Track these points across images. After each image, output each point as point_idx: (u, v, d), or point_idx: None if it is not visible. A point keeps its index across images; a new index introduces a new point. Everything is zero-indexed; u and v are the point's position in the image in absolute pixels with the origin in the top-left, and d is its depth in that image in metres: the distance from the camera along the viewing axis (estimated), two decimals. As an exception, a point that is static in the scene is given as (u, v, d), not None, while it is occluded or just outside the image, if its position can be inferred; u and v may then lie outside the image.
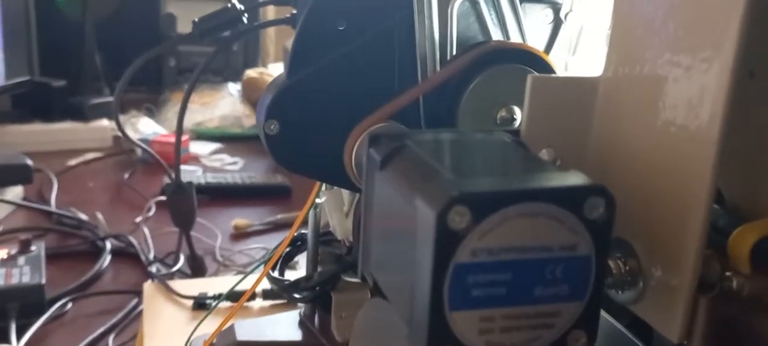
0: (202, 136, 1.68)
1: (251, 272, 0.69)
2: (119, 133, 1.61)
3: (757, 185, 0.32)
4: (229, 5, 0.72)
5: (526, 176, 0.27)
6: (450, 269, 0.25)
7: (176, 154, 0.76)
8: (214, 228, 1.20)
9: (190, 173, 1.43)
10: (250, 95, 1.76)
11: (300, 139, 0.41)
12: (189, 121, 1.68)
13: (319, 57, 0.41)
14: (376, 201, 0.31)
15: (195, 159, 1.57)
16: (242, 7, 0.72)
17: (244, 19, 0.72)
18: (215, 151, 1.61)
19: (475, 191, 0.25)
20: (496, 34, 0.43)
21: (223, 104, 1.72)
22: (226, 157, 1.58)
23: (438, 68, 0.42)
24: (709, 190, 0.27)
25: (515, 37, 0.43)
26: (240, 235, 1.22)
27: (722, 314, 0.30)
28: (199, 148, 1.61)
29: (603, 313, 0.36)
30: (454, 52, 0.42)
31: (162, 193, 1.27)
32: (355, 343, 0.37)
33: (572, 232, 0.26)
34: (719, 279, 0.29)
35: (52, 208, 1.27)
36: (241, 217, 1.25)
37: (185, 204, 0.82)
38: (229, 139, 1.69)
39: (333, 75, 0.41)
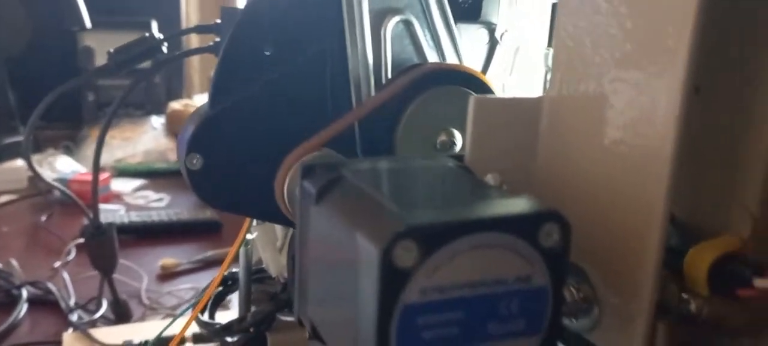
0: (124, 173, 1.60)
1: (180, 315, 0.64)
2: (33, 175, 1.52)
3: (704, 201, 0.31)
4: (148, 35, 0.69)
5: (475, 205, 0.25)
6: (397, 310, 0.23)
7: (93, 194, 0.71)
8: (140, 269, 1.14)
9: (112, 213, 1.36)
10: (174, 128, 1.69)
11: (225, 173, 0.38)
12: (110, 158, 1.61)
13: (245, 85, 0.38)
14: (312, 237, 0.28)
15: (117, 197, 1.49)
16: (161, 36, 0.68)
17: (164, 49, 0.68)
18: (139, 188, 1.54)
19: (423, 223, 0.23)
20: (431, 56, 0.41)
21: (146, 139, 1.65)
22: (151, 194, 1.51)
23: (373, 93, 0.39)
24: (664, 210, 0.26)
25: (451, 59, 0.41)
26: (167, 275, 1.16)
27: (681, 338, 0.28)
28: (121, 185, 1.54)
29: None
30: (389, 76, 0.40)
31: (81, 235, 1.20)
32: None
33: (527, 262, 0.24)
34: (677, 303, 0.28)
35: (-39, 257, 1.18)
36: (169, 256, 1.19)
37: (106, 247, 0.76)
38: (153, 175, 1.63)
39: (260, 103, 0.38)
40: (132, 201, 1.48)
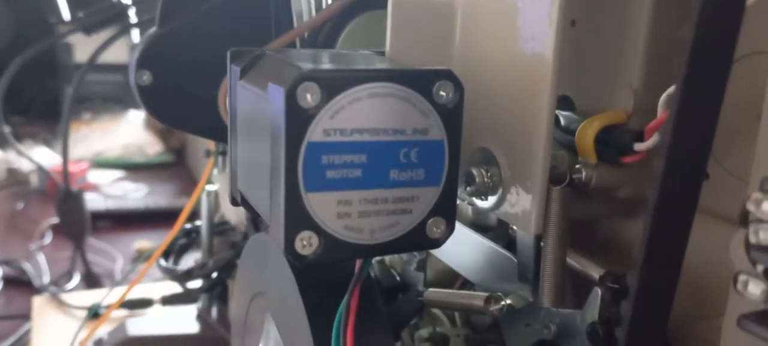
0: (103, 165, 1.62)
1: (142, 260, 0.67)
2: (13, 166, 1.54)
3: (594, 84, 0.34)
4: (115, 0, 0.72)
5: (378, 64, 0.28)
6: (303, 147, 0.25)
7: (64, 155, 0.73)
8: (115, 251, 1.16)
9: (91, 200, 1.38)
10: (153, 123, 1.72)
11: (173, 90, 0.41)
12: (88, 150, 1.63)
13: (192, 6, 0.41)
14: (239, 114, 0.31)
15: (95, 188, 1.51)
16: (130, 2, 0.71)
17: (131, 15, 0.71)
18: (117, 180, 1.56)
19: (325, 69, 0.26)
20: (369, -15, 0.44)
21: (125, 132, 1.67)
22: (129, 185, 1.53)
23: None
24: (551, 97, 0.29)
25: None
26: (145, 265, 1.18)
27: (576, 209, 0.31)
28: (99, 177, 1.56)
29: (474, 233, 0.38)
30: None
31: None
32: (239, 275, 0.37)
33: (423, 115, 0.27)
34: (570, 172, 0.31)
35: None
36: (146, 240, 1.22)
37: (76, 212, 0.79)
38: (131, 168, 1.65)
39: (206, 24, 0.41)
40: (110, 192, 1.50)
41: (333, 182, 0.26)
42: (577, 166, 0.31)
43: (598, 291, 0.29)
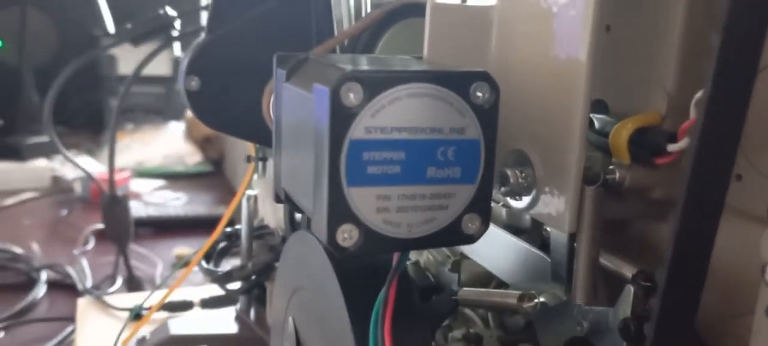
0: (144, 174, 1.66)
1: (183, 263, 0.69)
2: (58, 173, 1.58)
3: (628, 86, 0.35)
4: (161, 12, 0.74)
5: (417, 66, 0.30)
6: (345, 144, 0.27)
7: (110, 161, 0.76)
8: (155, 257, 1.19)
9: (132, 208, 1.41)
10: (193, 133, 1.76)
11: (220, 95, 0.43)
12: (130, 160, 1.67)
13: (238, 14, 0.43)
14: (284, 115, 0.33)
15: (137, 196, 1.55)
16: (175, 14, 0.74)
17: (176, 26, 0.74)
18: (157, 189, 1.60)
19: (368, 70, 0.27)
20: (407, -6, 0.45)
21: (166, 143, 1.71)
22: (169, 194, 1.57)
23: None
24: (585, 99, 0.30)
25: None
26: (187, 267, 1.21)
27: (609, 209, 0.32)
28: (140, 185, 1.60)
29: (508, 234, 0.38)
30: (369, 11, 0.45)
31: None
32: (279, 274, 0.38)
33: (460, 114, 0.28)
34: (604, 172, 0.32)
35: (-16, 243, 1.24)
36: (185, 247, 1.24)
37: (120, 215, 0.81)
38: (171, 177, 1.69)
39: (251, 31, 0.43)
40: (150, 200, 1.54)
41: (373, 177, 0.28)
42: (611, 167, 0.32)
43: (630, 288, 0.30)
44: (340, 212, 0.27)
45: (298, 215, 0.53)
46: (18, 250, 1.20)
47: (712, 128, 0.23)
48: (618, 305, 0.30)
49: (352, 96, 0.26)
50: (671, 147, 0.30)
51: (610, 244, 0.34)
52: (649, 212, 0.35)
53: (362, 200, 0.27)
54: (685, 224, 0.23)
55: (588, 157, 0.32)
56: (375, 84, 0.27)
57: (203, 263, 0.64)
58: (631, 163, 0.32)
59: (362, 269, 0.33)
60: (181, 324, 0.67)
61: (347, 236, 0.28)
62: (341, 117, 0.26)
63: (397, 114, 0.27)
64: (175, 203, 1.53)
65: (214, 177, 1.74)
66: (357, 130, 0.27)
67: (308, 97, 0.29)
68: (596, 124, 0.34)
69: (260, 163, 0.63)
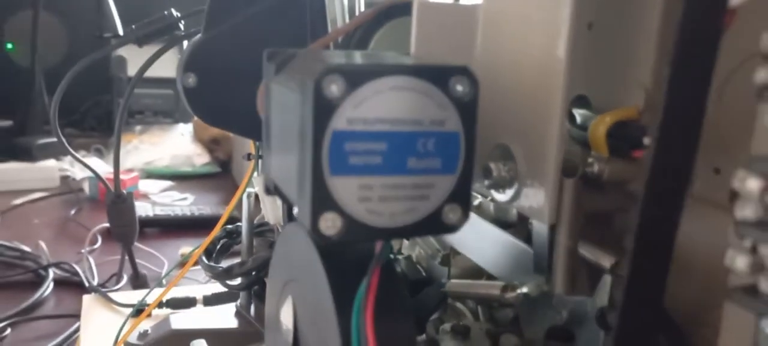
0: (152, 175, 1.68)
1: (184, 259, 0.70)
2: (67, 173, 1.60)
3: (607, 82, 0.35)
4: (166, 12, 0.75)
5: (398, 60, 0.31)
6: (328, 134, 0.28)
7: (115, 160, 0.77)
8: (161, 256, 1.20)
9: (139, 207, 1.43)
10: (201, 135, 1.77)
11: (217, 91, 0.44)
12: (139, 161, 1.69)
13: (235, 13, 0.44)
14: (273, 109, 0.34)
15: (145, 196, 1.57)
16: (179, 15, 0.75)
17: (181, 26, 0.75)
18: (165, 189, 1.62)
19: (350, 63, 0.28)
20: (400, -6, 0.46)
21: (174, 144, 1.73)
22: (176, 194, 1.58)
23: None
24: (563, 94, 0.31)
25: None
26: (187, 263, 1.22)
27: (589, 201, 0.33)
28: (148, 186, 1.62)
29: (495, 228, 0.39)
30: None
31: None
32: (272, 269, 0.39)
33: (440, 107, 0.29)
34: (583, 165, 0.33)
35: (-8, 241, 1.26)
36: (190, 246, 1.25)
37: (125, 214, 0.83)
38: (179, 178, 1.70)
39: (247, 29, 0.44)
40: (158, 200, 1.55)
41: (355, 167, 0.28)
42: (590, 159, 0.33)
43: (607, 278, 0.31)
44: (323, 200, 0.28)
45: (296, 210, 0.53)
46: (26, 248, 1.22)
47: (672, 119, 0.23)
48: (596, 295, 0.31)
49: (334, 88, 0.27)
50: (648, 141, 0.31)
51: (592, 236, 0.34)
52: (629, 204, 0.35)
53: (345, 189, 0.28)
54: (646, 214, 0.24)
55: (568, 150, 0.33)
56: (356, 77, 0.28)
57: (204, 259, 0.65)
58: (610, 156, 0.33)
59: (349, 259, 0.34)
60: (182, 319, 0.69)
61: (330, 223, 0.29)
62: (323, 108, 0.27)
63: (378, 106, 0.28)
64: (182, 203, 1.54)
65: (221, 178, 1.76)
66: (339, 121, 0.28)
67: (294, 89, 0.30)
68: (578, 119, 0.35)
69: (260, 161, 0.64)
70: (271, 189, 0.35)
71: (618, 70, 0.34)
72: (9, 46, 1.87)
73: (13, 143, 1.68)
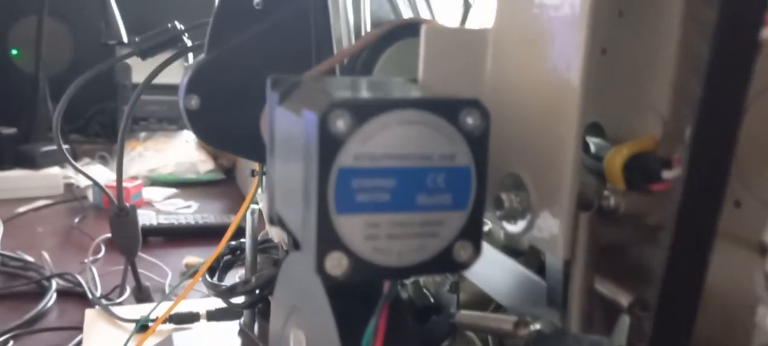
0: (156, 182, 1.67)
1: (188, 276, 0.69)
2: (71, 181, 1.60)
3: (623, 111, 0.34)
4: (170, 25, 0.74)
5: (407, 92, 0.29)
6: (334, 171, 0.27)
7: (118, 173, 0.76)
8: (165, 266, 1.19)
9: (143, 216, 1.42)
10: (204, 143, 1.76)
11: (219, 113, 0.43)
12: (143, 168, 1.68)
13: (237, 34, 0.43)
14: (276, 139, 0.33)
15: (149, 204, 1.56)
16: (182, 27, 0.74)
17: (186, 39, 0.74)
18: (169, 197, 1.61)
19: (356, 97, 0.27)
20: (406, 14, 0.45)
21: (178, 151, 1.72)
22: (180, 202, 1.58)
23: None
24: (578, 123, 0.30)
25: (426, 16, 0.46)
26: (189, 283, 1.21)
27: (605, 235, 0.32)
28: (152, 194, 1.61)
29: (505, 255, 0.38)
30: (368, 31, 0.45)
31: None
32: (277, 291, 0.38)
33: (450, 141, 0.28)
34: (598, 198, 0.31)
35: (-5, 250, 1.25)
36: (194, 256, 1.24)
37: (128, 227, 0.82)
38: (183, 185, 1.69)
39: (250, 50, 0.43)
40: (162, 208, 1.54)
41: (362, 205, 0.27)
42: (606, 192, 0.32)
43: (625, 318, 0.29)
44: (328, 239, 0.27)
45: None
46: (29, 258, 1.21)
47: (703, 151, 0.22)
48: (613, 335, 0.30)
49: (340, 123, 0.26)
50: (666, 174, 0.30)
51: (607, 270, 0.33)
52: (646, 238, 0.34)
53: (351, 227, 0.27)
54: (675, 250, 0.23)
55: (582, 182, 0.32)
56: (363, 111, 0.27)
57: (207, 277, 0.64)
58: (626, 189, 0.31)
59: (356, 294, 0.32)
60: (185, 338, 0.68)
61: (336, 263, 0.27)
62: (329, 144, 0.26)
63: (386, 141, 0.27)
64: (186, 211, 1.53)
65: (225, 185, 1.75)
66: (346, 158, 0.27)
67: (299, 123, 0.28)
68: (592, 148, 0.34)
69: (265, 178, 0.63)
70: (275, 220, 0.34)
71: (632, 97, 0.33)
72: (14, 52, 1.87)
73: (16, 150, 1.67)
